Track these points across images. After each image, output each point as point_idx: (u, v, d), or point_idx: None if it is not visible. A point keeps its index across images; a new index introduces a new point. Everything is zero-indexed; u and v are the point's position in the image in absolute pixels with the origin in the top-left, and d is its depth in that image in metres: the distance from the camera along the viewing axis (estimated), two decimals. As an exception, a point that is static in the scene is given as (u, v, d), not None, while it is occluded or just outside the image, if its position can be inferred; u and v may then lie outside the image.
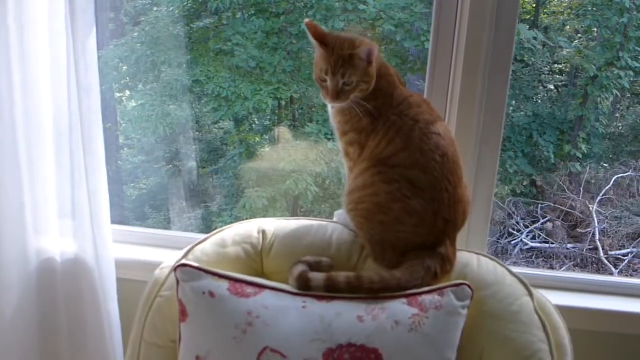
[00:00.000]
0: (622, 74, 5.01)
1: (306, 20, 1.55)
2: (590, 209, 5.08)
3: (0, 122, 1.68)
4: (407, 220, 1.48)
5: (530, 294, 1.48)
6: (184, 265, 1.42)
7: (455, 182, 1.50)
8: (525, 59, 5.37)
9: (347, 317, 1.38)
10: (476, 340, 1.44)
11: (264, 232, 1.61)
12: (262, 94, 4.91)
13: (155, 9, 4.97)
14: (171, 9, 4.92)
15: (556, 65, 5.88)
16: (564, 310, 1.57)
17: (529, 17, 5.84)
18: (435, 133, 1.50)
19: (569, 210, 5.18)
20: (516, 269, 1.59)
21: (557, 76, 6.01)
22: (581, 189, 5.23)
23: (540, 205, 5.27)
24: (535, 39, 5.24)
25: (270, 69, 4.94)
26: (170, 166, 5.08)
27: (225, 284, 1.41)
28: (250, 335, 1.35)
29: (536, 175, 5.33)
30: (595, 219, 5.02)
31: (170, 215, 4.72)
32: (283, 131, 4.90)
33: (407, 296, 1.42)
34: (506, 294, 1.48)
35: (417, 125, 1.50)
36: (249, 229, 1.61)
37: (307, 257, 1.52)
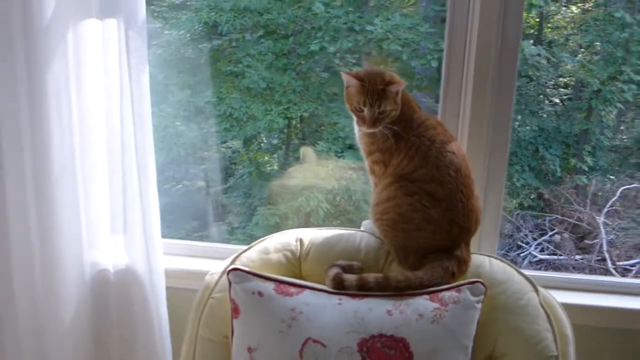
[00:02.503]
0: (625, 87, 5.14)
1: (343, 71, 1.84)
2: (597, 220, 5.13)
3: (61, 146, 1.93)
4: (427, 227, 1.76)
5: (536, 290, 1.75)
6: (236, 269, 1.69)
7: (468, 193, 1.78)
8: (530, 73, 5.53)
9: (378, 312, 1.64)
10: (490, 331, 1.70)
11: (301, 241, 1.88)
12: (273, 113, 5.04)
13: (167, 32, 5.12)
14: (182, 32, 5.03)
15: (561, 79, 6.01)
16: (566, 307, 1.84)
17: (532, 31, 6.01)
18: (450, 151, 1.77)
19: (576, 222, 5.22)
20: (523, 270, 1.86)
21: (562, 89, 6.12)
22: (588, 201, 5.27)
23: (547, 218, 5.33)
24: (539, 55, 5.42)
25: (280, 89, 5.08)
26: (180, 186, 5.23)
27: (271, 285, 1.68)
28: (294, 328, 1.62)
29: (543, 188, 5.40)
30: (603, 230, 5.08)
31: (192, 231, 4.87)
32: (307, 151, 5.08)
33: (428, 293, 1.68)
34: (515, 290, 1.74)
35: (434, 145, 1.77)
36: (288, 238, 1.89)
37: (339, 261, 1.79)
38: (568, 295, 2.15)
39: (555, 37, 6.09)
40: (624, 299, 2.20)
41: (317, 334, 1.61)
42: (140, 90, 1.91)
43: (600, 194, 5.50)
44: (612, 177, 5.58)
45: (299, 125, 5.48)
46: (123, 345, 2.15)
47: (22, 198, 1.98)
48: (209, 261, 2.19)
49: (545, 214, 5.44)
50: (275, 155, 5.52)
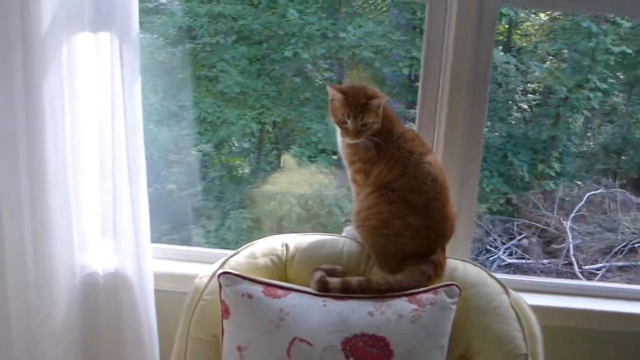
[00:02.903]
0: (592, 95, 5.29)
1: (328, 84, 1.97)
2: (564, 225, 5.31)
3: (55, 154, 2.04)
4: (406, 233, 1.90)
5: (507, 292, 1.90)
6: (226, 273, 1.82)
7: (444, 201, 1.93)
8: (499, 80, 5.69)
9: (360, 313, 1.77)
10: (464, 330, 1.84)
11: (286, 246, 2.01)
12: (247, 118, 5.12)
13: (141, 36, 5.16)
14: (155, 36, 5.08)
15: (529, 85, 6.17)
16: (535, 308, 2.00)
17: (502, 37, 6.17)
18: (427, 162, 1.92)
19: (544, 226, 5.40)
20: (495, 274, 2.01)
21: (531, 95, 6.26)
22: (555, 206, 5.46)
23: (516, 223, 5.48)
24: (508, 63, 5.58)
25: (254, 94, 5.16)
26: (151, 189, 5.27)
27: (259, 288, 1.81)
28: (282, 328, 1.74)
29: (511, 193, 5.56)
30: (570, 235, 5.25)
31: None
32: (288, 159, 5.17)
33: (407, 295, 1.82)
34: (487, 293, 1.89)
35: (412, 156, 1.92)
36: (274, 243, 2.02)
37: (323, 265, 1.93)
38: (537, 297, 2.31)
39: (524, 44, 6.24)
40: (590, 301, 2.37)
41: (303, 334, 1.73)
42: (132, 102, 2.03)
43: (567, 199, 5.64)
44: (579, 182, 5.74)
45: (272, 130, 5.56)
46: (112, 346, 2.25)
47: (17, 203, 2.09)
48: (196, 265, 2.31)
49: (514, 219, 5.57)
50: (247, 159, 5.60)
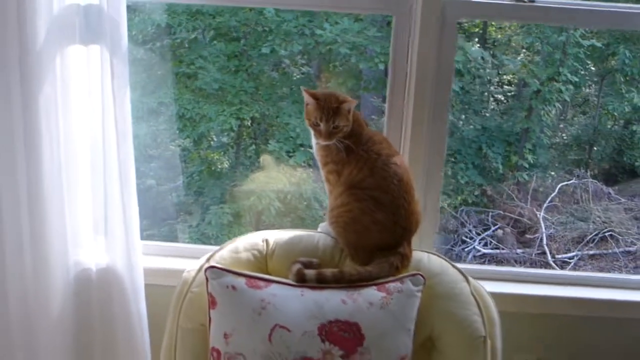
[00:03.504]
0: (563, 88, 5.58)
1: (303, 88, 2.19)
2: (538, 215, 5.60)
3: (50, 158, 2.25)
4: (374, 228, 2.13)
5: (467, 281, 2.14)
6: (213, 267, 2.05)
7: (409, 199, 2.16)
8: (473, 73, 5.91)
9: (334, 301, 2.00)
10: (428, 315, 2.08)
11: (267, 241, 2.24)
12: (225, 114, 5.34)
13: None
14: (134, 33, 5.23)
15: (505, 77, 6.41)
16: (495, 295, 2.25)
17: (477, 30, 6.41)
18: (394, 163, 2.16)
19: (518, 217, 5.69)
20: (459, 264, 2.26)
21: (507, 87, 6.50)
22: (528, 197, 5.74)
23: (490, 214, 5.78)
24: (482, 58, 5.82)
25: (232, 90, 5.38)
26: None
27: (243, 280, 2.03)
28: (264, 316, 1.97)
29: (486, 185, 5.85)
30: (543, 225, 5.55)
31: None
32: (267, 159, 5.35)
33: (376, 284, 2.05)
34: (449, 281, 2.13)
35: (380, 158, 2.15)
36: (255, 239, 2.26)
37: (301, 258, 2.16)
38: (500, 285, 2.58)
39: (500, 37, 6.46)
40: (551, 288, 2.65)
41: (283, 321, 1.96)
42: (123, 110, 2.25)
43: (541, 189, 5.91)
44: (551, 173, 6.04)
45: (250, 125, 5.79)
46: (105, 338, 2.47)
47: (16, 204, 2.30)
48: (183, 260, 2.52)
49: (489, 210, 5.86)
50: (226, 154, 5.83)
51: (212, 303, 2.02)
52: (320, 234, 2.29)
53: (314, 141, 2.24)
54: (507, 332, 2.25)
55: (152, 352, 2.47)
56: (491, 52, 6.14)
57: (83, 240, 2.44)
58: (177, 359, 2.12)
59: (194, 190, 5.67)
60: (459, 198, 5.91)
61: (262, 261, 2.22)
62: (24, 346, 2.44)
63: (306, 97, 2.18)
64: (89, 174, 2.37)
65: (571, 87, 5.67)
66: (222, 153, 5.87)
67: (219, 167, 5.83)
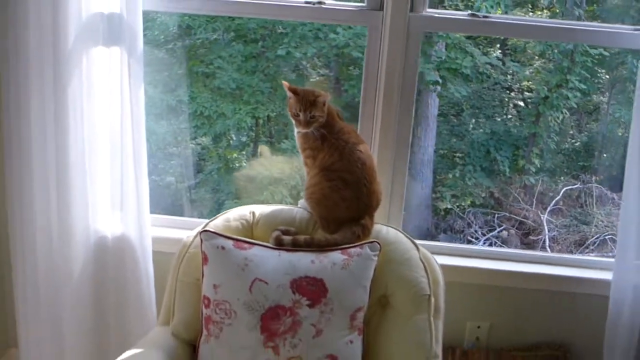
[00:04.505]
0: (570, 94, 5.93)
1: (284, 82, 2.79)
2: (542, 218, 5.97)
3: (75, 143, 2.85)
4: (341, 204, 2.72)
5: (417, 249, 2.71)
6: (206, 230, 2.64)
7: (371, 180, 2.75)
8: (481, 77, 6.22)
9: (305, 261, 2.57)
10: (383, 276, 2.65)
11: (253, 213, 2.85)
12: (242, 112, 5.81)
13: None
14: (156, 33, 5.71)
15: (512, 81, 6.62)
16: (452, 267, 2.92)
17: (498, 36, 6.78)
18: (359, 150, 2.74)
19: (523, 219, 6.07)
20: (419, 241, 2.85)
21: (513, 93, 6.73)
22: (534, 199, 6.12)
23: (496, 215, 6.16)
24: (489, 64, 6.26)
25: (249, 90, 5.82)
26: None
27: (231, 242, 2.61)
28: (246, 271, 2.54)
29: (493, 187, 6.27)
30: (546, 227, 5.92)
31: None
32: (263, 148, 5.86)
33: (341, 249, 2.62)
34: (402, 249, 2.71)
35: (347, 145, 2.74)
36: (244, 211, 2.86)
37: (280, 227, 2.75)
38: (457, 260, 3.26)
39: (519, 44, 6.79)
40: (499, 263, 3.28)
41: (262, 275, 2.53)
42: (137, 105, 2.86)
43: (550, 194, 6.20)
44: (557, 177, 6.35)
45: (266, 124, 6.24)
46: (118, 295, 3.08)
47: (46, 181, 2.91)
48: (185, 231, 3.05)
49: (495, 212, 6.22)
50: (244, 152, 6.23)
51: (205, 260, 2.61)
52: (299, 209, 2.89)
53: (295, 131, 2.83)
54: (463, 301, 2.94)
55: (157, 307, 3.08)
56: (511, 58, 6.46)
57: (101, 212, 3.04)
58: (176, 306, 2.72)
59: (211, 187, 6.12)
60: (468, 200, 6.30)
61: (249, 229, 2.82)
62: (50, 300, 3.04)
63: (288, 93, 2.77)
64: (107, 156, 2.97)
65: (579, 94, 5.98)
66: (239, 151, 6.28)
67: (237, 165, 6.23)
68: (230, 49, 6.00)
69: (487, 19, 2.94)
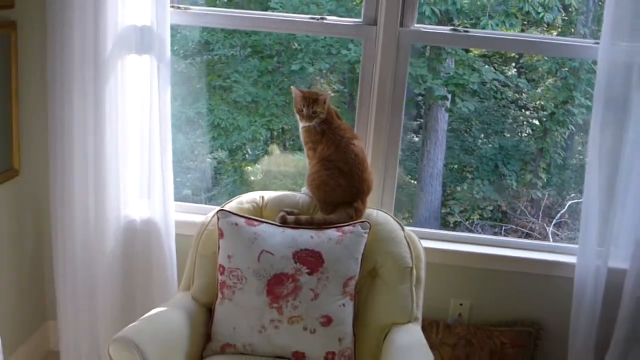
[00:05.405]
0: (576, 111, 6.41)
1: (292, 87, 3.43)
2: (547, 230, 6.43)
3: (111, 137, 3.45)
4: (337, 189, 3.34)
5: (403, 229, 3.33)
6: (222, 210, 3.26)
7: (363, 170, 3.38)
8: (487, 93, 6.71)
9: (305, 237, 3.15)
10: (372, 252, 3.22)
11: (263, 197, 3.49)
12: (257, 125, 6.32)
13: None
14: (176, 48, 6.18)
15: (526, 103, 7.14)
16: (438, 251, 3.57)
17: (513, 55, 7.06)
18: (352, 144, 3.38)
19: (529, 231, 6.53)
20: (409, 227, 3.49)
21: (522, 110, 7.20)
22: (540, 212, 6.59)
23: (503, 227, 6.64)
24: (496, 80, 6.70)
25: (264, 103, 6.33)
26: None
27: (243, 220, 3.22)
28: (255, 244, 3.13)
29: (501, 200, 6.72)
30: (551, 239, 6.32)
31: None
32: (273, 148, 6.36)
33: (336, 227, 3.22)
34: (389, 229, 3.32)
35: (343, 140, 3.37)
36: (254, 195, 3.50)
37: (285, 209, 3.38)
38: (444, 244, 3.88)
39: (530, 61, 7.20)
40: (479, 247, 3.92)
41: (269, 248, 3.10)
42: (165, 103, 3.48)
43: (558, 208, 6.63)
44: (566, 192, 6.76)
45: (281, 136, 6.72)
46: (145, 270, 3.67)
47: (84, 171, 3.49)
48: (203, 216, 3.60)
49: (502, 224, 6.67)
50: (259, 166, 6.64)
51: (221, 235, 3.21)
52: (301, 195, 3.53)
53: (300, 126, 3.45)
54: (447, 281, 3.59)
55: (177, 283, 3.65)
56: (526, 76, 6.95)
57: (131, 199, 3.64)
58: (196, 275, 3.33)
59: (226, 199, 6.50)
60: (477, 215, 6.77)
61: (259, 210, 3.45)
62: (86, 276, 3.63)
63: (294, 92, 3.41)
64: (138, 150, 3.57)
65: (584, 110, 6.39)
66: (254, 163, 6.72)
67: (252, 178, 6.69)
68: (247, 64, 6.50)
69: (467, 33, 3.59)
